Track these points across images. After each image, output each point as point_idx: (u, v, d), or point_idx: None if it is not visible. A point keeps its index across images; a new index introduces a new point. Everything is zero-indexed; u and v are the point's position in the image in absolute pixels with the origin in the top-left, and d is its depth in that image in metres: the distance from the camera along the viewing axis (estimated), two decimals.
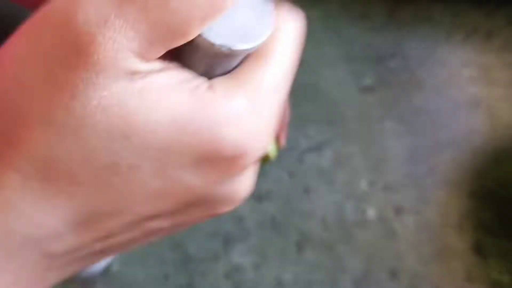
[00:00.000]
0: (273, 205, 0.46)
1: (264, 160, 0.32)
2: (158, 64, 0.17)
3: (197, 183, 0.18)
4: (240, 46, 0.18)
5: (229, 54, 0.18)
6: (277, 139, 0.34)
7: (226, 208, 0.20)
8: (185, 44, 0.17)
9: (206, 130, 0.17)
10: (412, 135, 0.48)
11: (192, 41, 0.17)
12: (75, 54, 0.16)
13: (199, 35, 0.17)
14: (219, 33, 0.17)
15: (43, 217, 0.18)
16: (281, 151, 0.47)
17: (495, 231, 0.47)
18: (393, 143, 0.48)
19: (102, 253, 0.21)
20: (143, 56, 0.16)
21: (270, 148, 0.32)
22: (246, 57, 0.19)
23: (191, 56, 0.19)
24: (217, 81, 0.18)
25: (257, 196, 0.46)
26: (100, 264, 0.41)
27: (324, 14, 0.51)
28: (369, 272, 0.46)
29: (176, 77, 0.17)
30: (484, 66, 0.50)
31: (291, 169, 0.47)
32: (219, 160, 0.17)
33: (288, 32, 0.19)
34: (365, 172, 0.47)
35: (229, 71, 0.19)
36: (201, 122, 0.17)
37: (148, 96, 0.16)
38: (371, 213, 0.47)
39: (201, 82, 0.18)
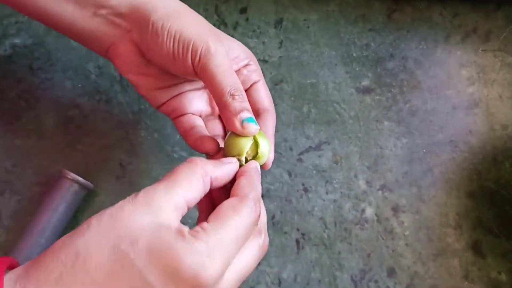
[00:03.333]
0: (273, 204, 0.46)
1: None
2: None
3: None
4: None
5: None
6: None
7: None
8: None
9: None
10: (411, 135, 0.48)
11: None
12: None
13: None
14: None
15: None
16: (281, 151, 0.47)
17: (494, 231, 0.47)
18: (392, 143, 0.48)
19: None
20: None
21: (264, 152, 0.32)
22: None
23: None
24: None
25: None
26: None
27: (323, 16, 0.51)
28: (367, 271, 0.46)
29: None
30: (482, 66, 0.50)
31: (291, 168, 0.47)
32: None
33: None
34: (364, 172, 0.47)
35: None
36: None
37: None
38: (370, 212, 0.47)
39: None
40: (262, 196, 0.46)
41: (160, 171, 0.46)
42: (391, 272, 0.46)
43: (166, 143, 0.46)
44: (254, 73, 0.37)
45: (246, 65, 0.37)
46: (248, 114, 0.31)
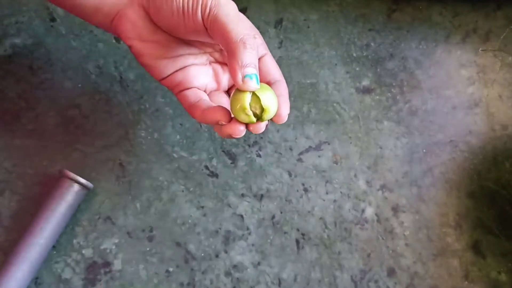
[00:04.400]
0: (273, 204, 0.46)
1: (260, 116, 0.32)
2: None
3: None
4: None
5: None
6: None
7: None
8: None
9: None
10: (411, 135, 0.48)
11: None
12: None
13: None
14: None
15: None
16: (281, 151, 0.47)
17: (494, 231, 0.47)
18: (392, 143, 0.48)
19: None
20: None
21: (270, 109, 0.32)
22: None
23: None
24: None
25: (257, 195, 0.46)
26: None
27: (323, 16, 0.51)
28: (367, 271, 0.46)
29: None
30: (482, 66, 0.50)
31: (291, 168, 0.47)
32: None
33: None
34: (364, 172, 0.47)
35: None
36: None
37: None
38: (370, 212, 0.47)
39: None
40: (263, 196, 0.46)
41: (160, 171, 0.46)
42: (391, 272, 0.46)
43: (166, 143, 0.46)
44: (261, 46, 0.36)
45: (254, 37, 0.35)
46: (252, 70, 0.31)
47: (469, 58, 0.50)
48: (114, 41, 0.48)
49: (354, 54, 0.50)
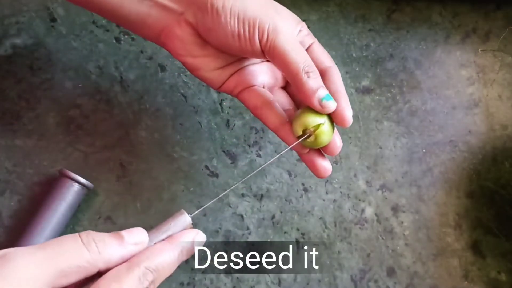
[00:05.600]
0: (273, 204, 0.46)
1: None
2: None
3: None
4: None
5: None
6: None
7: None
8: None
9: None
10: (410, 135, 0.48)
11: None
12: None
13: None
14: None
15: None
16: (280, 151, 0.47)
17: (494, 231, 0.47)
18: (392, 143, 0.48)
19: None
20: None
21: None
22: None
23: None
24: None
25: (257, 195, 0.46)
26: None
27: (323, 16, 0.51)
28: (367, 270, 0.46)
29: None
30: (482, 67, 0.50)
31: (291, 168, 0.47)
32: None
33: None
34: (364, 172, 0.47)
35: None
36: None
37: None
38: (370, 212, 0.47)
39: None
40: (263, 196, 0.46)
41: (160, 171, 0.46)
42: (391, 272, 0.46)
43: (166, 143, 0.46)
44: (307, 36, 0.36)
45: (300, 31, 0.36)
46: (324, 91, 0.32)
47: (468, 58, 0.50)
48: (114, 41, 0.48)
49: (354, 55, 0.50)
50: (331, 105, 0.32)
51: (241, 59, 0.36)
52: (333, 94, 0.33)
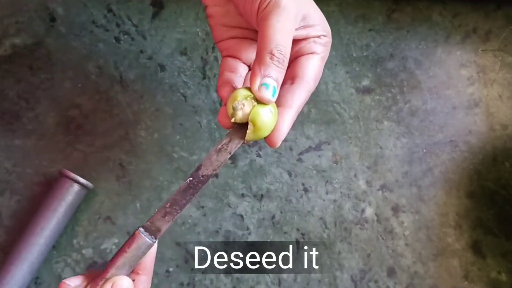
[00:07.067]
0: (273, 204, 0.46)
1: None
2: None
3: None
4: None
5: None
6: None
7: None
8: None
9: None
10: (410, 135, 0.48)
11: None
12: None
13: None
14: None
15: None
16: (280, 151, 0.47)
17: (494, 231, 0.47)
18: (392, 143, 0.48)
19: None
20: None
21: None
22: None
23: None
24: None
25: (257, 195, 0.46)
26: None
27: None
28: (367, 271, 0.46)
29: None
30: (482, 66, 0.50)
31: (291, 168, 0.47)
32: None
33: None
34: (364, 172, 0.47)
35: None
36: None
37: None
38: (370, 212, 0.47)
39: None
40: (263, 196, 0.46)
41: (160, 171, 0.46)
42: (391, 272, 0.46)
43: (166, 143, 0.46)
44: (320, 46, 0.35)
45: (318, 36, 0.35)
46: (272, 82, 0.30)
47: (469, 58, 0.50)
48: (114, 41, 0.48)
49: (354, 54, 0.50)
50: (267, 95, 0.30)
51: (248, 30, 0.36)
52: (282, 105, 0.32)
